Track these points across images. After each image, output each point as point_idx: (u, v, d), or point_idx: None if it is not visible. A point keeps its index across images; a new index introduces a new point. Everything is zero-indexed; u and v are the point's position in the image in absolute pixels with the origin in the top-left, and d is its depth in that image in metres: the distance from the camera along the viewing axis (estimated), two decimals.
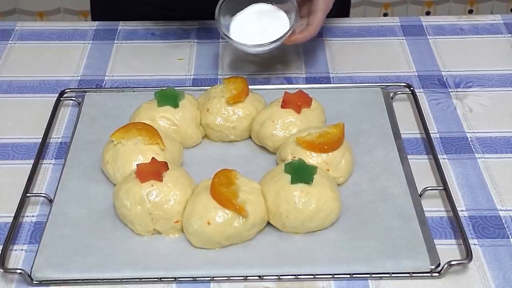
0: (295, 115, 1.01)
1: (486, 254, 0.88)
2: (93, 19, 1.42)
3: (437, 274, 0.85)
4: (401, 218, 0.91)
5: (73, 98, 1.13)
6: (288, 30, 1.09)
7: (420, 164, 1.01)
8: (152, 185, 0.89)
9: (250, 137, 1.05)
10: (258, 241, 0.89)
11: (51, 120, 1.08)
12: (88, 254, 0.87)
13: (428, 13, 2.58)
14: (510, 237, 0.91)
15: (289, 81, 1.18)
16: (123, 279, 0.85)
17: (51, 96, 1.14)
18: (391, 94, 1.13)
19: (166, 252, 0.87)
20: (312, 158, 0.94)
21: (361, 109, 1.08)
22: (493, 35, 1.29)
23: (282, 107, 1.01)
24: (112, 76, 1.20)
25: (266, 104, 1.06)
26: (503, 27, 1.30)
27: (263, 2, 1.13)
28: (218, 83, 1.17)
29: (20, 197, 0.95)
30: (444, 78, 1.18)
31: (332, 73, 1.20)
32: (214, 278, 0.85)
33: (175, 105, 1.02)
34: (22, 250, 0.90)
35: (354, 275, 0.85)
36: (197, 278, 0.85)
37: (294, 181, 0.89)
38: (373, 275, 0.85)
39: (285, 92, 1.03)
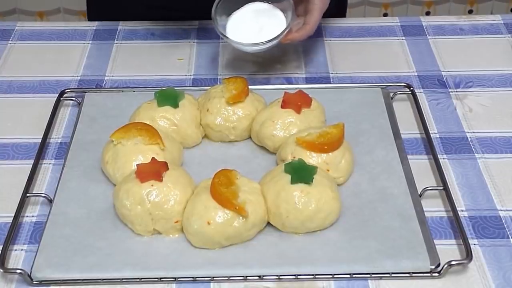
0: (295, 115, 1.01)
1: (486, 254, 0.88)
2: (89, 19, 1.42)
3: (437, 274, 0.85)
4: (401, 218, 0.91)
5: (73, 98, 1.13)
6: (285, 29, 1.09)
7: (420, 164, 1.01)
8: (152, 185, 0.89)
9: (250, 137, 1.05)
10: (258, 241, 0.89)
11: (51, 120, 1.08)
12: (88, 254, 0.87)
13: (428, 13, 2.57)
14: (510, 237, 0.91)
15: (289, 81, 1.18)
16: (123, 279, 0.85)
17: (51, 96, 1.14)
18: (391, 94, 1.13)
19: (166, 252, 0.87)
20: (312, 158, 0.94)
21: (361, 109, 1.08)
22: (493, 35, 1.29)
23: (282, 107, 1.01)
24: (112, 76, 1.20)
25: (266, 104, 1.06)
26: (503, 27, 1.30)
27: (260, 1, 1.13)
28: (218, 83, 1.17)
29: (20, 197, 0.95)
30: (444, 78, 1.18)
31: (332, 73, 1.20)
32: (214, 278, 0.85)
33: (175, 105, 1.02)
34: (22, 250, 0.90)
35: (354, 275, 0.85)
36: (197, 278, 0.85)
37: (294, 181, 0.89)
38: (373, 275, 0.85)
39: (285, 92, 1.03)
